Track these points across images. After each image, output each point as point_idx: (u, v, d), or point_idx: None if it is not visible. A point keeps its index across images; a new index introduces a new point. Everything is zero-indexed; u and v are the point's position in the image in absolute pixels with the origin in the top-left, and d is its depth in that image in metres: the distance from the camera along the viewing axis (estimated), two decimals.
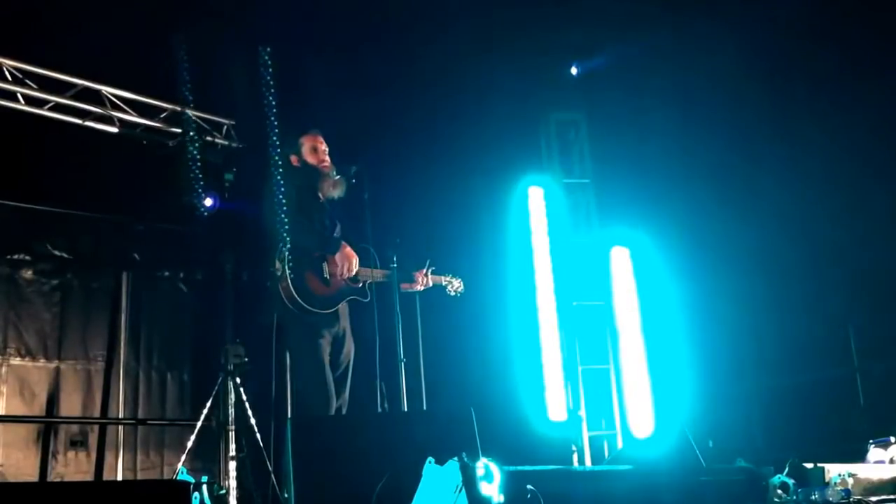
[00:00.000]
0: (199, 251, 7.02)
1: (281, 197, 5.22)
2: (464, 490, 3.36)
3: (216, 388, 5.61)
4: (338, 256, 5.23)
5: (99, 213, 6.85)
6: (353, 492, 3.89)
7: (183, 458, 5.41)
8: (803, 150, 6.92)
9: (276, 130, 5.56)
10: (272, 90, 5.67)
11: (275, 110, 5.62)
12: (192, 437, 5.43)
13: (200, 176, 6.26)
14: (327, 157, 5.48)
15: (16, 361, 6.36)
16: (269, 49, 5.71)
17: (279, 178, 5.30)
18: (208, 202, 6.13)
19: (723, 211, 7.26)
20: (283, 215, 5.27)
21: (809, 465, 4.29)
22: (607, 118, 7.66)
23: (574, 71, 7.66)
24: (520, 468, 3.63)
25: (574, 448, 6.98)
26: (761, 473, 4.18)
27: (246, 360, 5.66)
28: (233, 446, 5.37)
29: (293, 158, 5.46)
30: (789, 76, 7.03)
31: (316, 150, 5.47)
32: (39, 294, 6.57)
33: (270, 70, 5.67)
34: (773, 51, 6.99)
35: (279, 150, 5.49)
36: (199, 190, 6.19)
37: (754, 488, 4.13)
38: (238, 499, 5.21)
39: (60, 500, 3.40)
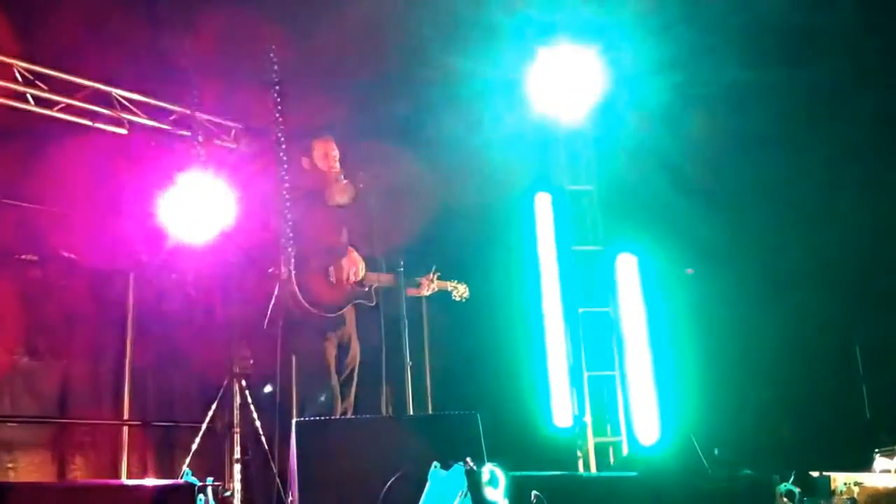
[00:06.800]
0: (207, 254, 7.03)
1: (288, 201, 5.23)
2: (469, 495, 3.37)
3: (221, 390, 5.63)
4: (344, 261, 5.23)
5: (106, 214, 6.87)
6: (358, 495, 3.89)
7: (188, 459, 5.43)
8: (810, 158, 6.90)
9: (284, 135, 5.57)
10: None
11: (280, 116, 5.63)
12: (198, 440, 5.44)
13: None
14: (337, 164, 5.49)
15: (24, 361, 6.37)
16: (271, 51, 5.71)
17: (287, 182, 5.30)
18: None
19: (728, 218, 7.25)
20: (290, 219, 5.28)
21: (815, 474, 4.28)
22: (613, 125, 7.65)
23: None
24: (525, 474, 3.63)
25: (579, 454, 6.96)
26: (767, 482, 4.18)
27: (252, 362, 5.68)
28: (238, 449, 5.39)
29: (304, 161, 5.48)
30: (794, 81, 7.02)
31: (327, 156, 5.48)
32: (47, 295, 6.58)
33: (277, 73, 5.68)
34: (776, 55, 6.98)
35: (290, 153, 5.50)
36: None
37: (760, 497, 4.12)
38: (242, 501, 5.23)
39: (64, 500, 3.41)
